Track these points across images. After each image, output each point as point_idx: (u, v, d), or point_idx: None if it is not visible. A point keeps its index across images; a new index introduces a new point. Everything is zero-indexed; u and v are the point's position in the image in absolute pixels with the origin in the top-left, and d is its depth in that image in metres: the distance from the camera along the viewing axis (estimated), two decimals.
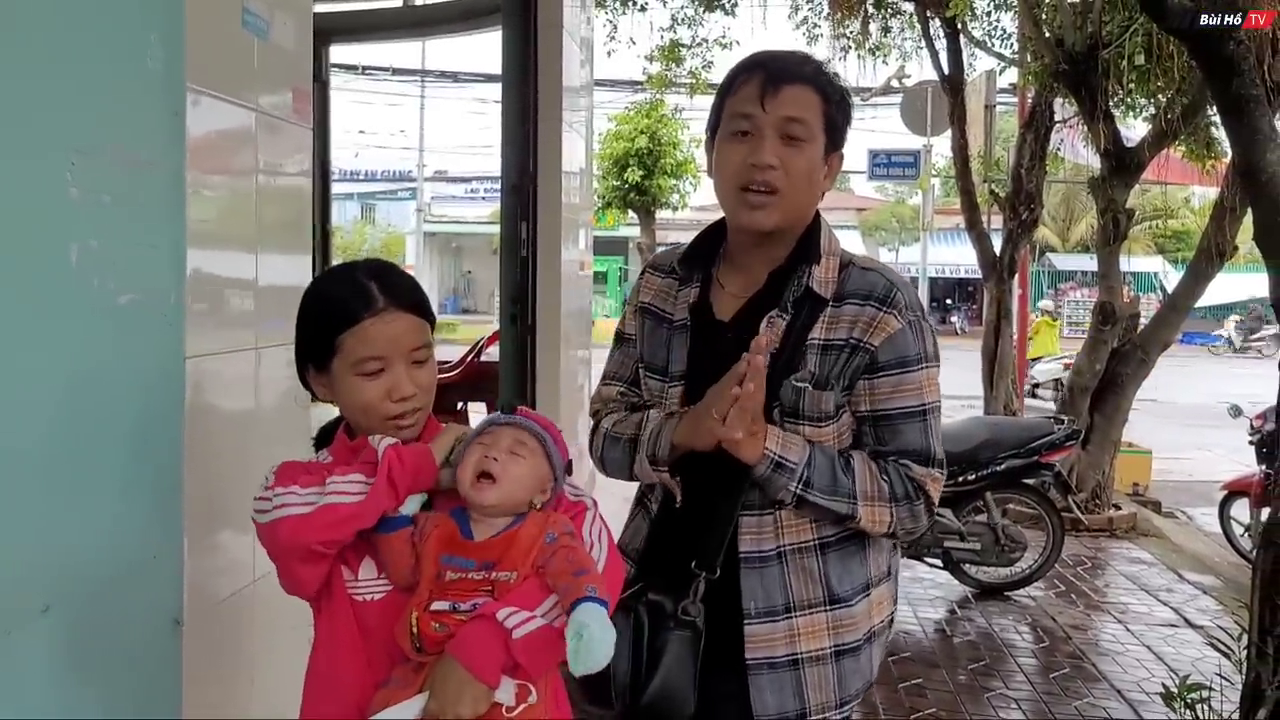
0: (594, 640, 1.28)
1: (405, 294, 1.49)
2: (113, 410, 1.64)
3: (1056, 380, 14.41)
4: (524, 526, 1.41)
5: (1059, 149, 8.94)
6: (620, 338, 1.97)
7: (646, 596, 1.70)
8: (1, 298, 1.41)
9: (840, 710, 1.76)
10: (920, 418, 1.72)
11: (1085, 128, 7.45)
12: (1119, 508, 7.53)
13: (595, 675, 1.61)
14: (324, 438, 1.59)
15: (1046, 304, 20.08)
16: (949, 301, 34.84)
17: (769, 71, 1.71)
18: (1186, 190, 22.82)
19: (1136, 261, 23.13)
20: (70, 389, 1.55)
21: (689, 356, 1.80)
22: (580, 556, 1.41)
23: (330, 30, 6.63)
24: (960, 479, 5.44)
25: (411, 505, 1.41)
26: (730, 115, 1.74)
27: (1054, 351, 16.04)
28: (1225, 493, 6.99)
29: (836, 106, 1.74)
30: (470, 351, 8.95)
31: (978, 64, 9.70)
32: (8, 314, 1.41)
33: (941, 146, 13.31)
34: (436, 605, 1.37)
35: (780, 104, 1.68)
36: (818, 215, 1.80)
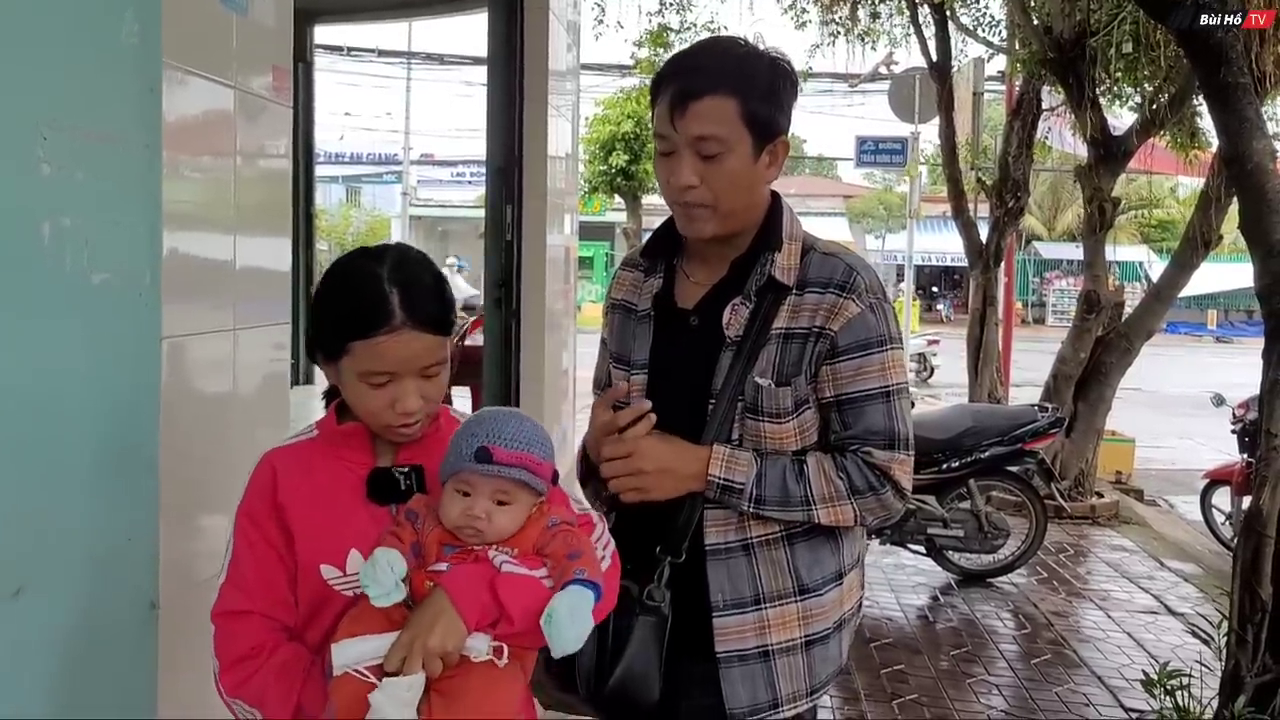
0: (559, 624, 1.29)
1: (427, 309, 1.40)
2: (86, 390, 1.62)
3: (920, 355, 15.93)
4: (527, 520, 1.41)
5: (1046, 137, 8.94)
6: (601, 342, 1.97)
7: None
8: None
9: (811, 698, 1.77)
10: (884, 399, 1.70)
11: (1073, 116, 7.45)
12: (1101, 495, 7.58)
13: (562, 662, 1.62)
14: (331, 398, 1.53)
15: (903, 287, 21.99)
16: (934, 289, 34.92)
17: (677, 87, 1.66)
18: (1172, 180, 22.89)
19: (1122, 251, 23.20)
20: (43, 368, 1.52)
21: (652, 345, 1.81)
22: (578, 541, 1.40)
23: (315, 10, 6.57)
24: (944, 466, 5.47)
25: (388, 600, 1.32)
26: (654, 131, 1.73)
27: (913, 329, 17.70)
28: (1207, 481, 7.03)
29: (761, 99, 1.66)
30: (455, 336, 8.91)
31: (966, 51, 9.69)
32: None
33: (929, 134, 13.28)
34: (436, 567, 1.36)
35: (689, 122, 1.64)
36: (778, 200, 1.79)
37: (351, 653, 1.29)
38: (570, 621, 1.30)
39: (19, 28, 1.47)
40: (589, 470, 1.85)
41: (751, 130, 1.66)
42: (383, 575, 1.30)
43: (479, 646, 1.31)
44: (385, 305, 1.37)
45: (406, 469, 1.45)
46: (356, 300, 1.39)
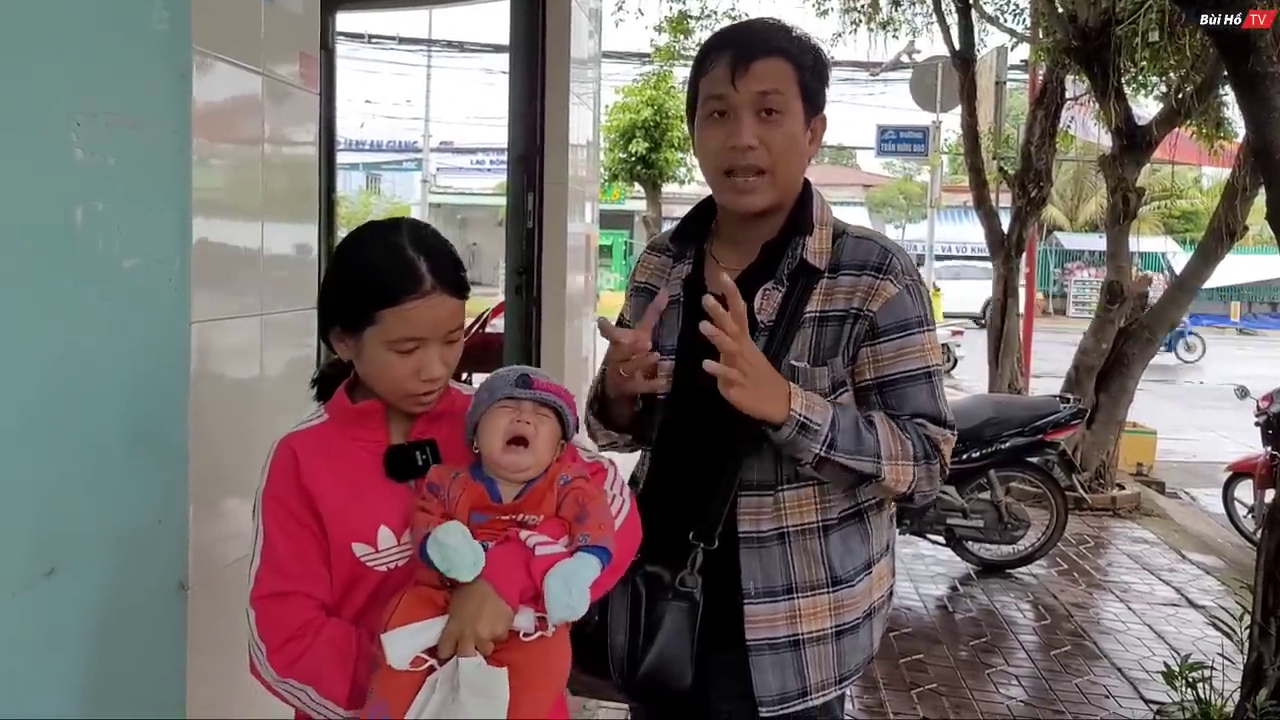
0: (553, 595, 1.33)
1: (451, 273, 1.45)
2: (117, 373, 1.63)
3: (944, 345, 15.47)
4: (544, 479, 1.44)
5: (1069, 126, 8.88)
6: (619, 321, 1.97)
7: (644, 568, 1.69)
8: (6, 258, 1.39)
9: (840, 686, 1.76)
10: (926, 380, 1.71)
11: (1096, 105, 7.40)
12: (1123, 487, 7.54)
13: (592, 645, 1.63)
14: (324, 385, 1.56)
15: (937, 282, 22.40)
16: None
17: (738, 48, 1.68)
18: (1196, 171, 22.69)
19: (1144, 241, 23.04)
20: (75, 351, 1.54)
21: (681, 330, 1.80)
22: (586, 497, 1.43)
23: None
24: (964, 456, 5.44)
25: (476, 570, 1.36)
26: (705, 97, 1.73)
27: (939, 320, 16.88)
28: (1230, 474, 6.99)
29: (811, 72, 1.71)
30: (475, 322, 8.98)
31: (989, 40, 9.66)
32: (13, 275, 1.41)
33: (951, 123, 13.20)
34: None
35: (751, 80, 1.66)
36: (808, 185, 1.79)
37: (406, 645, 1.31)
38: (565, 590, 1.33)
39: (53, 15, 1.48)
40: (603, 409, 1.87)
41: (803, 99, 1.69)
42: (464, 547, 1.33)
43: (526, 624, 1.35)
44: (414, 271, 1.41)
45: (422, 444, 1.48)
46: (384, 269, 1.42)
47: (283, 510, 1.44)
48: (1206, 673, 3.48)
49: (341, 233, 1.59)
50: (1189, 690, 3.47)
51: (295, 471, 1.45)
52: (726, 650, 1.72)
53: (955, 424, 1.74)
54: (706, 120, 1.73)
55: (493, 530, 1.39)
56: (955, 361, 15.84)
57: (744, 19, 1.96)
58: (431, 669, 1.32)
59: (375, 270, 1.43)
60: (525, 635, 1.35)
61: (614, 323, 1.98)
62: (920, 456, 1.68)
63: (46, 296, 1.48)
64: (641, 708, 1.96)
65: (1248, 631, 3.36)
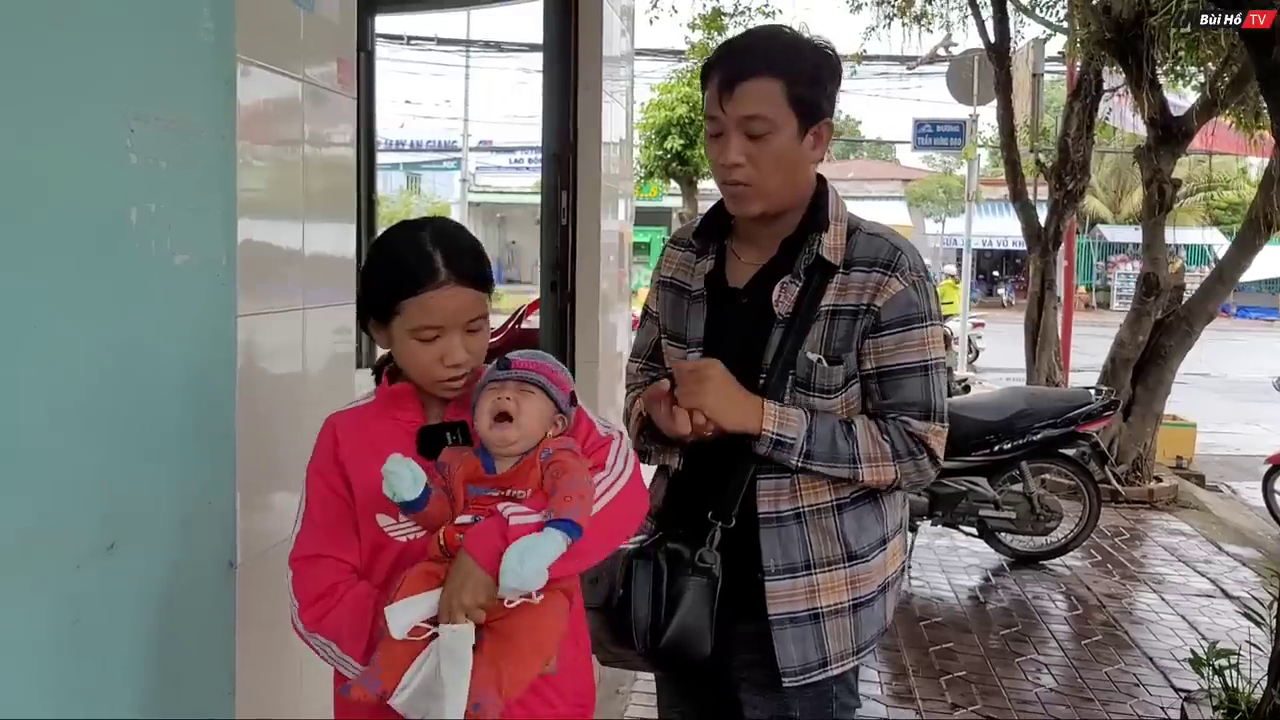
0: (507, 566, 1.37)
1: (467, 266, 1.56)
2: (170, 363, 1.74)
3: (966, 338, 15.70)
4: (534, 453, 1.53)
5: (1107, 118, 8.82)
6: (645, 313, 2.07)
7: (666, 545, 1.80)
8: (69, 256, 1.50)
9: (858, 656, 1.86)
10: (922, 373, 1.80)
11: (1134, 96, 7.36)
12: (1160, 480, 7.51)
13: (619, 617, 1.74)
14: (380, 371, 1.71)
15: (950, 269, 22.43)
16: (995, 274, 34.43)
17: (724, 71, 1.77)
18: (1243, 161, 22.31)
19: (1190, 234, 22.69)
20: (132, 343, 1.64)
21: (706, 324, 1.90)
22: (560, 470, 1.49)
23: (376, 0, 6.70)
24: (996, 448, 5.47)
25: (416, 490, 1.46)
26: (705, 113, 1.83)
27: (955, 311, 17.18)
28: (1269, 466, 6.94)
29: (807, 82, 1.77)
30: (511, 319, 9.13)
31: (1025, 32, 9.59)
32: (75, 272, 1.52)
33: (988, 116, 13.15)
34: (461, 519, 1.49)
35: (736, 104, 1.75)
36: (824, 183, 1.88)
37: (404, 617, 1.44)
38: (519, 563, 1.37)
39: (109, 28, 1.59)
40: (646, 433, 1.95)
41: (797, 112, 1.76)
42: (400, 470, 1.44)
43: (509, 591, 1.43)
44: (431, 263, 1.54)
45: (453, 425, 1.60)
46: (405, 262, 1.56)
47: (321, 482, 1.61)
48: (1234, 659, 3.50)
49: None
50: (1216, 677, 3.49)
51: (334, 447, 1.62)
52: (746, 623, 1.81)
53: (946, 416, 1.83)
54: (708, 135, 1.84)
55: (482, 506, 1.50)
56: (977, 353, 15.94)
57: (758, 22, 2.05)
58: (435, 636, 1.43)
59: (396, 264, 1.57)
60: (509, 602, 1.43)
61: (640, 314, 2.09)
62: (903, 454, 1.79)
63: (106, 292, 1.59)
64: (667, 676, 2.06)
65: (1276, 619, 3.38)
